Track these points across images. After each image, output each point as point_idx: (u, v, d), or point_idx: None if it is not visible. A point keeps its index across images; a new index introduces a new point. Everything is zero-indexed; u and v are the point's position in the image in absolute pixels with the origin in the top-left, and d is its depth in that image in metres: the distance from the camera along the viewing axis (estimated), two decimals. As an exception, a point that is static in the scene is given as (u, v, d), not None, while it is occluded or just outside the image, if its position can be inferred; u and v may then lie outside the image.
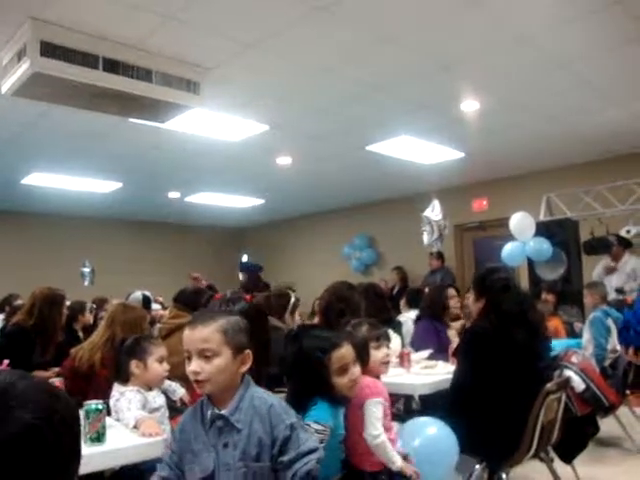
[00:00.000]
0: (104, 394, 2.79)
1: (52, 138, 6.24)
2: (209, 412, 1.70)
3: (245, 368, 1.72)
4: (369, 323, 2.75)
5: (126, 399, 2.56)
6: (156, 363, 2.74)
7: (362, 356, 2.37)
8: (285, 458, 1.63)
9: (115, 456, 2.12)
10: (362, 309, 3.69)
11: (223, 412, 1.68)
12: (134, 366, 2.69)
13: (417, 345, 4.18)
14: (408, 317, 5.04)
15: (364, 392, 2.31)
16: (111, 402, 2.59)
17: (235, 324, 1.73)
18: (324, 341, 2.19)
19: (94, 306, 5.97)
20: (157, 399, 2.69)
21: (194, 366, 1.65)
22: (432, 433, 2.72)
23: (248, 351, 1.72)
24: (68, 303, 5.76)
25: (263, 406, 1.68)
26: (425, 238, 5.84)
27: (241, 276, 7.57)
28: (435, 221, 5.73)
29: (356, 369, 2.19)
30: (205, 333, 1.67)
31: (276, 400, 1.72)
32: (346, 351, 2.18)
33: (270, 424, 1.65)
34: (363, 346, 2.46)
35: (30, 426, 0.78)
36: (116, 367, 2.76)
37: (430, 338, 4.26)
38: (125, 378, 2.68)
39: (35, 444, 0.79)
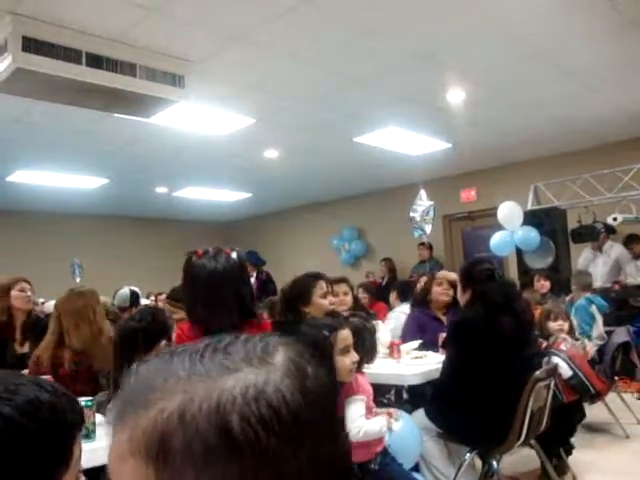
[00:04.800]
0: (73, 392, 2.75)
1: (36, 134, 6.18)
2: None
3: None
4: (360, 316, 2.81)
5: None
6: (174, 335, 2.65)
7: (363, 341, 2.46)
8: None
9: (105, 453, 2.11)
10: None
11: None
12: (164, 344, 2.56)
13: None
14: (400, 311, 4.99)
15: (347, 388, 2.35)
16: None
17: None
18: (326, 323, 2.34)
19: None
20: None
21: None
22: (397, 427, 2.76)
23: None
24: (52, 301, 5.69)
25: None
26: (427, 228, 5.81)
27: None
28: (426, 207, 5.70)
29: (355, 354, 2.28)
30: None
31: None
32: (348, 333, 2.32)
33: None
34: (360, 332, 2.56)
35: (9, 420, 0.76)
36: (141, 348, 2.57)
37: None
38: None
39: (13, 440, 0.76)
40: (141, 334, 2.55)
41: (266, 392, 0.49)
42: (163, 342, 2.59)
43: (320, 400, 0.52)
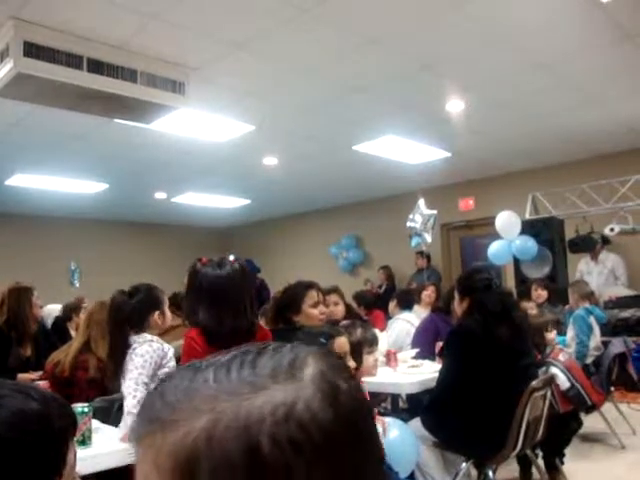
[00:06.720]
0: (86, 397, 2.77)
1: (36, 138, 6.19)
2: None
3: None
4: (362, 326, 2.80)
5: (141, 357, 2.42)
6: (168, 311, 2.73)
7: (355, 357, 2.45)
8: None
9: (101, 460, 2.12)
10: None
11: None
12: (156, 317, 2.60)
13: None
14: (403, 319, 4.96)
15: None
16: (130, 351, 2.48)
17: None
18: (323, 331, 2.36)
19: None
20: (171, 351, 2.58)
21: None
22: (394, 436, 2.76)
23: None
24: (59, 306, 5.73)
25: None
26: (427, 237, 5.79)
27: None
28: (427, 216, 5.69)
29: (351, 362, 2.29)
30: None
31: None
32: (345, 341, 2.34)
33: None
34: (357, 347, 2.55)
35: None
36: (132, 321, 2.59)
37: None
38: (141, 330, 2.57)
39: (2, 455, 0.75)
40: (130, 308, 2.59)
41: (296, 411, 0.46)
42: (155, 314, 2.61)
43: (354, 416, 0.49)
